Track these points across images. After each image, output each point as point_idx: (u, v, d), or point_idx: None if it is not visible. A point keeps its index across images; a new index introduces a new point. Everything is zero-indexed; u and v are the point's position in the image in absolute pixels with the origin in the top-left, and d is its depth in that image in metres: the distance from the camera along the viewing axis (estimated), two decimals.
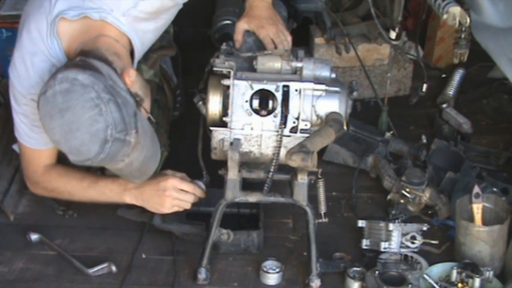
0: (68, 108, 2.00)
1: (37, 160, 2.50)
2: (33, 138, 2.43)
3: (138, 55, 2.38)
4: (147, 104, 2.26)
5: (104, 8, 2.26)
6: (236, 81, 2.27)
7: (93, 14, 2.25)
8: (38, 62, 2.30)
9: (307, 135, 2.25)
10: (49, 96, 2.02)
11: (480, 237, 2.37)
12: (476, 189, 2.44)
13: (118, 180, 2.45)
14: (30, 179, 2.58)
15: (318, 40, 3.20)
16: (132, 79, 2.14)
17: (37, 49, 2.29)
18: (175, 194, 2.42)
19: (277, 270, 2.40)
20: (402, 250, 2.44)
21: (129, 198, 2.47)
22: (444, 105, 3.06)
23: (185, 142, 2.83)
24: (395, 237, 2.44)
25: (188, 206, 2.45)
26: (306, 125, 2.28)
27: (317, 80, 2.28)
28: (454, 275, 2.33)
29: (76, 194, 2.52)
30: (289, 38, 2.51)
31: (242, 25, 2.49)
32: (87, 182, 2.49)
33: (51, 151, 2.48)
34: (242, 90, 2.27)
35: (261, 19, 2.48)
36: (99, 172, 2.53)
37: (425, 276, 2.34)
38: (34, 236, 2.53)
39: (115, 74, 2.11)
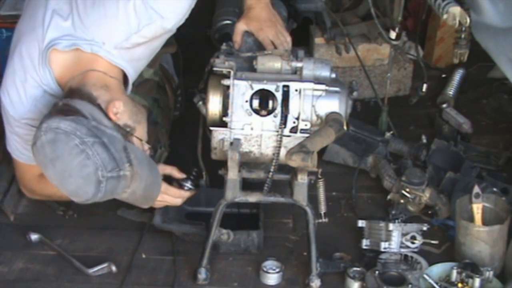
0: (57, 158, 2.04)
1: (30, 171, 2.50)
2: (25, 154, 2.44)
3: (131, 81, 2.39)
4: (140, 130, 2.26)
5: (96, 41, 2.26)
6: (236, 81, 2.27)
7: (84, 47, 2.26)
8: (30, 89, 2.31)
9: (307, 135, 2.25)
10: (39, 147, 2.06)
11: (480, 237, 2.37)
12: (476, 189, 2.44)
13: None
14: (26, 187, 2.60)
15: (318, 40, 3.20)
16: (120, 110, 2.17)
17: (28, 76, 2.31)
18: (161, 199, 2.43)
19: (277, 270, 2.40)
20: (402, 250, 2.44)
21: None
22: (444, 105, 3.06)
23: (185, 142, 2.83)
24: (395, 237, 2.44)
25: (178, 204, 2.48)
26: (306, 125, 2.28)
27: (317, 80, 2.28)
28: (454, 275, 2.33)
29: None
30: (289, 39, 2.51)
31: (241, 27, 2.49)
32: None
33: None
34: (242, 90, 2.27)
35: (260, 21, 2.48)
36: None
37: (425, 276, 2.34)
38: (34, 236, 2.53)
39: (100, 111, 2.13)
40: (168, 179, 2.48)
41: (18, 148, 2.45)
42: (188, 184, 2.48)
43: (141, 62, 2.41)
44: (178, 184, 2.48)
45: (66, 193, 2.11)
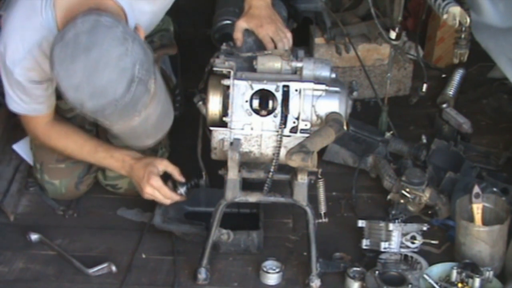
0: (94, 46, 1.97)
1: (34, 120, 2.51)
2: (28, 104, 2.42)
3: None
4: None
5: None
6: (236, 81, 2.27)
7: None
8: (29, 34, 2.27)
9: (307, 135, 2.25)
10: (70, 38, 1.98)
11: (480, 237, 2.37)
12: (476, 189, 2.44)
13: (115, 155, 2.52)
14: (31, 134, 2.61)
15: (318, 40, 3.20)
16: (143, 36, 2.13)
17: (29, 22, 2.27)
18: (152, 194, 2.47)
19: (277, 270, 2.40)
20: (402, 250, 2.44)
21: (124, 173, 2.54)
22: (444, 105, 3.06)
23: (185, 142, 2.82)
24: (395, 237, 2.44)
25: (166, 203, 2.49)
26: (306, 125, 2.28)
27: (317, 80, 2.28)
28: (454, 275, 2.33)
29: (76, 157, 2.58)
30: (289, 35, 2.51)
31: (241, 24, 2.49)
32: (87, 150, 2.53)
33: (48, 114, 2.50)
34: (242, 90, 2.27)
35: (260, 18, 2.48)
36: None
37: (425, 276, 2.34)
38: (34, 236, 2.53)
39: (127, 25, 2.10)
40: (165, 177, 2.49)
41: (18, 101, 2.41)
42: (182, 190, 2.49)
43: (144, 18, 2.35)
44: (173, 185, 2.49)
45: (88, 93, 1.98)
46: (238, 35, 2.48)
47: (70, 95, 2.01)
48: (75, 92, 2.00)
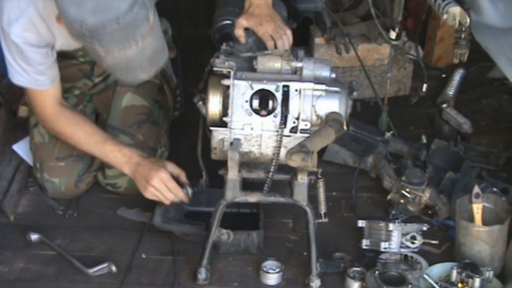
0: None
1: (40, 98, 2.51)
2: (28, 73, 2.42)
3: None
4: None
5: None
6: (236, 81, 2.27)
7: None
8: None
9: (307, 135, 2.25)
10: None
11: (480, 237, 2.37)
12: (476, 189, 2.44)
13: (123, 150, 2.51)
14: (39, 116, 2.60)
15: (318, 40, 3.20)
16: None
17: None
18: (158, 187, 2.44)
19: (277, 270, 2.40)
20: (402, 250, 2.44)
21: (127, 170, 2.51)
22: (444, 105, 3.06)
23: (185, 142, 2.83)
24: (395, 237, 2.44)
25: (166, 202, 2.47)
26: (306, 125, 2.28)
27: (317, 80, 2.28)
28: (454, 275, 2.33)
29: (81, 146, 2.57)
30: (289, 32, 2.50)
31: (241, 22, 2.49)
32: (95, 140, 2.53)
33: (53, 90, 2.51)
34: (242, 90, 2.28)
35: (260, 17, 2.49)
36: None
37: (425, 276, 2.34)
38: (34, 236, 2.53)
39: None
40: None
41: (19, 70, 2.42)
42: (189, 190, 2.48)
43: None
44: (180, 186, 2.48)
45: (91, 8, 1.99)
46: (239, 32, 2.48)
47: (72, 13, 2.02)
48: (77, 9, 2.01)
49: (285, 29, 2.50)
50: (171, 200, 2.47)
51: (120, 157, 2.52)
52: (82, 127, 2.55)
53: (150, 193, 2.46)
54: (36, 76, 2.44)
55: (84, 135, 2.54)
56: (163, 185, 2.44)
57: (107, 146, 2.53)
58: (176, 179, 2.48)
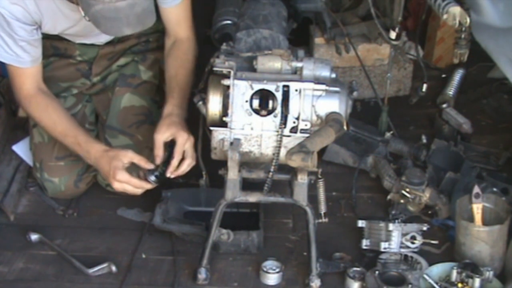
0: None
1: (20, 76, 2.50)
2: (10, 47, 2.42)
3: None
4: None
5: None
6: (236, 81, 2.27)
7: None
8: None
9: (307, 135, 2.25)
10: None
11: (480, 237, 2.37)
12: (476, 189, 2.44)
13: (82, 145, 2.48)
14: (15, 96, 2.58)
15: (318, 40, 3.20)
16: None
17: None
18: (121, 189, 2.42)
19: (277, 270, 2.40)
20: (402, 250, 2.44)
21: (90, 162, 2.51)
22: (444, 105, 3.06)
23: None
24: (395, 237, 2.44)
25: (137, 193, 2.45)
26: (306, 125, 2.28)
27: (317, 80, 2.28)
28: (454, 275, 2.33)
29: (50, 133, 2.57)
30: (193, 163, 2.46)
31: (160, 137, 2.43)
32: (59, 130, 2.52)
33: (33, 70, 2.50)
34: (242, 90, 2.27)
35: (181, 127, 2.44)
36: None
37: (425, 276, 2.34)
38: (34, 236, 2.53)
39: None
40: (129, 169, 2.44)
41: (2, 44, 2.41)
42: (152, 177, 2.43)
43: None
44: (144, 174, 2.45)
45: None
46: (159, 152, 2.43)
47: None
48: None
49: (193, 157, 2.46)
50: (140, 193, 2.45)
51: (80, 150, 2.50)
52: (49, 114, 2.53)
53: (117, 187, 2.43)
54: (18, 51, 2.42)
55: (49, 122, 2.53)
56: (126, 185, 2.42)
57: (68, 139, 2.51)
58: (138, 167, 2.44)
